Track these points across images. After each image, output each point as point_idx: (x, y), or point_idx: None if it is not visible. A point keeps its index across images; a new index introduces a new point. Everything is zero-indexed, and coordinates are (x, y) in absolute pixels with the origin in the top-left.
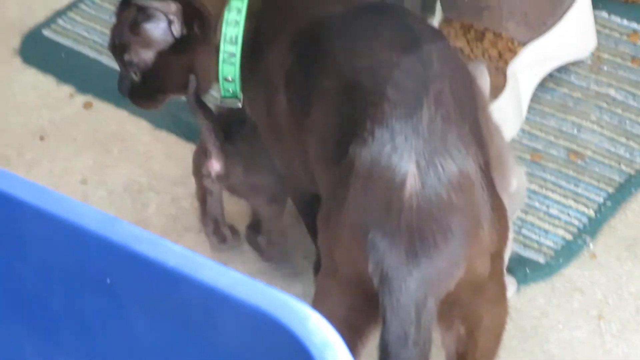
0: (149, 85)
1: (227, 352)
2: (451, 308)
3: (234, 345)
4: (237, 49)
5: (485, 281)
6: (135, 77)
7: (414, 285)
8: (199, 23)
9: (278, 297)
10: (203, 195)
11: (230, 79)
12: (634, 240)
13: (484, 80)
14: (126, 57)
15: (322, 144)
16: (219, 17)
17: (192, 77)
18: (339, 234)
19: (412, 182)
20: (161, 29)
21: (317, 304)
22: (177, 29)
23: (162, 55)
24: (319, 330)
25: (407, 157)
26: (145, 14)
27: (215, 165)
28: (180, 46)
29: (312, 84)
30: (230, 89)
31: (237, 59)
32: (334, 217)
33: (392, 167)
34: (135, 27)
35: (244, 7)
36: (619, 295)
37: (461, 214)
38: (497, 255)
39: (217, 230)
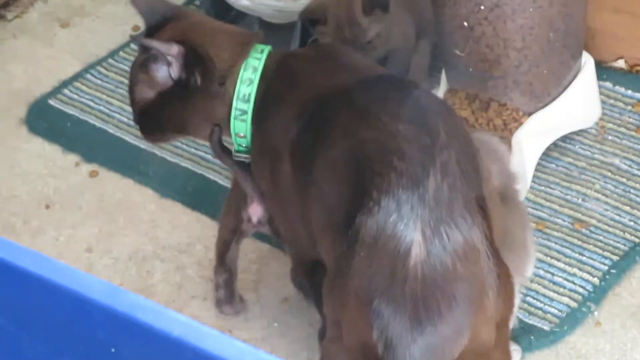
0: (151, 122)
1: None
2: None
3: None
4: (249, 107)
5: (490, 350)
6: (135, 113)
7: (418, 353)
8: (201, 71)
9: None
10: (226, 243)
11: (242, 135)
12: (638, 308)
13: (502, 149)
14: (133, 93)
15: (328, 213)
16: (228, 69)
17: (215, 128)
18: (344, 301)
19: (417, 251)
20: (163, 70)
21: None
22: (175, 72)
23: (162, 96)
24: None
25: (413, 226)
26: (154, 54)
27: (257, 210)
28: (179, 90)
29: (318, 153)
30: (244, 144)
31: (248, 117)
32: (339, 285)
33: (398, 236)
34: (144, 66)
35: (259, 67)
36: None
37: (466, 282)
38: (502, 324)
39: (229, 284)
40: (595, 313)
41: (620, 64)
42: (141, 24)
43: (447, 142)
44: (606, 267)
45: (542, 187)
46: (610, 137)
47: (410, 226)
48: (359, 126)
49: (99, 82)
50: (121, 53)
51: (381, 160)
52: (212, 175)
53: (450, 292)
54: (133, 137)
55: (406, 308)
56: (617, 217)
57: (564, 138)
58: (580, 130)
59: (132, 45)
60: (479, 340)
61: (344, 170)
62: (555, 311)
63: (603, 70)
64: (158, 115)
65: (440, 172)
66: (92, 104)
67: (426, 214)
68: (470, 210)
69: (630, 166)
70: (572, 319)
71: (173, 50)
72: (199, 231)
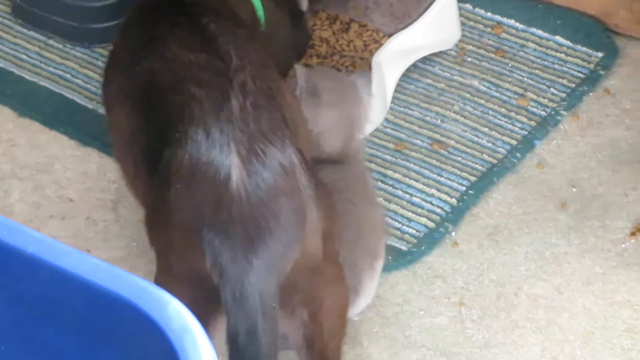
0: None
1: (87, 337)
2: (291, 294)
3: (93, 330)
4: None
5: (320, 262)
6: None
7: (255, 275)
8: None
9: (138, 283)
10: None
11: None
12: (495, 228)
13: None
14: None
15: (127, 147)
16: None
17: None
18: (167, 236)
19: (237, 173)
20: None
21: None
22: None
23: None
24: (178, 316)
25: (227, 149)
26: None
27: None
28: None
29: (115, 80)
30: None
31: None
32: (158, 221)
33: (214, 162)
34: None
35: None
36: (480, 282)
37: (289, 197)
38: (328, 237)
39: None
40: (453, 233)
41: None
42: None
43: (241, 64)
44: (464, 188)
45: (402, 109)
46: (469, 59)
47: (224, 150)
48: (151, 56)
49: None
50: None
51: (178, 91)
52: (70, 95)
53: (277, 208)
54: None
55: (236, 232)
56: (475, 139)
57: (424, 60)
58: (440, 52)
59: None
60: (309, 253)
61: (138, 105)
62: (413, 231)
63: None
64: None
65: (241, 93)
66: None
67: (238, 135)
68: (280, 126)
69: (488, 88)
70: (429, 239)
71: None
72: (58, 150)
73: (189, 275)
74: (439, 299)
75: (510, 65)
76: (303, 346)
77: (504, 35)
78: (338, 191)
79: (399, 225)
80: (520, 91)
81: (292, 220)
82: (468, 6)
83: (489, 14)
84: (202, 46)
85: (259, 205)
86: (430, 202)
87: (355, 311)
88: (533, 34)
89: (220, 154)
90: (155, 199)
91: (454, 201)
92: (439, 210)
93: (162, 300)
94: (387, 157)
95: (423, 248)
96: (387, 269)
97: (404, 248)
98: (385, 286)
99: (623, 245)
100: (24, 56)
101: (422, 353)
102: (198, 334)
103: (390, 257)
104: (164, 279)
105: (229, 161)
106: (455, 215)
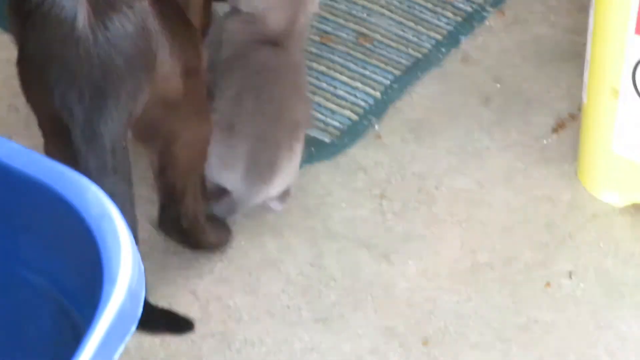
0: None
1: (5, 222)
2: (147, 127)
3: (12, 214)
4: None
5: (179, 100)
6: None
7: (102, 115)
8: None
9: (58, 168)
10: None
11: None
12: (418, 122)
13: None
14: None
15: None
16: None
17: None
18: (27, 80)
19: (83, 12)
20: None
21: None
22: None
23: None
24: (97, 201)
25: None
26: None
27: None
28: None
29: None
30: None
31: None
32: (20, 67)
33: (61, 2)
34: None
35: None
36: (402, 175)
37: (137, 38)
38: (192, 73)
39: None
40: (376, 126)
41: None
42: None
43: None
44: (388, 82)
45: (328, 1)
46: None
47: None
48: None
49: None
50: None
51: None
52: None
53: (124, 50)
54: None
55: (83, 71)
56: (401, 32)
57: None
58: None
59: None
60: (163, 92)
61: None
62: (337, 124)
63: None
64: None
65: None
66: None
67: None
68: None
69: None
70: (353, 132)
71: None
72: None
73: (45, 118)
74: (360, 191)
75: None
76: (158, 175)
77: None
78: (272, 78)
79: (323, 118)
80: None
81: (140, 61)
82: None
83: None
84: None
85: (106, 45)
86: (355, 95)
87: (271, 191)
88: None
89: None
90: (19, 45)
91: (377, 94)
92: (362, 104)
93: (81, 186)
94: (313, 49)
95: (346, 140)
96: (309, 160)
97: (326, 140)
98: (307, 177)
99: (545, 142)
100: None
101: (342, 244)
102: (117, 220)
103: (313, 149)
104: (45, 145)
105: (76, 0)
106: (378, 109)
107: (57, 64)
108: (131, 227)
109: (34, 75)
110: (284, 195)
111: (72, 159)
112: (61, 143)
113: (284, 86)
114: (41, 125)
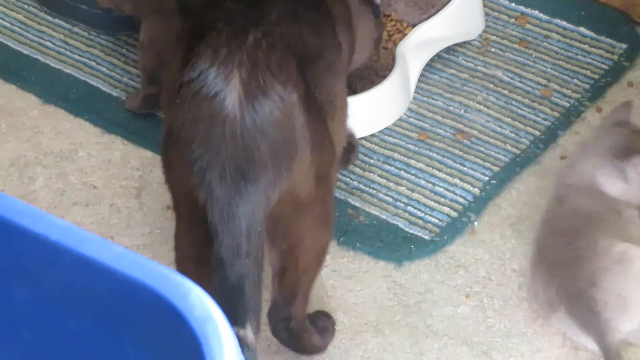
0: None
1: (109, 324)
2: (275, 225)
3: (116, 317)
4: None
5: (308, 202)
6: None
7: (242, 197)
8: None
9: (161, 271)
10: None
11: None
12: (517, 218)
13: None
14: None
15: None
16: None
17: None
18: (169, 157)
19: (234, 94)
20: None
21: (175, 250)
22: None
23: None
24: (201, 304)
25: (229, 68)
26: None
27: None
28: None
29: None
30: None
31: None
32: (164, 145)
33: (216, 79)
34: None
35: None
36: (502, 272)
37: (283, 128)
38: (323, 179)
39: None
40: (475, 223)
41: None
42: None
43: (276, 19)
44: (487, 178)
45: (425, 98)
46: (493, 50)
47: (227, 69)
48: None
49: None
50: None
51: (208, 26)
52: (95, 82)
53: (269, 136)
54: (16, 43)
55: (227, 150)
56: (499, 129)
57: (448, 50)
58: (464, 42)
59: None
60: (297, 189)
61: (184, 47)
62: (436, 221)
63: None
64: None
65: (262, 33)
66: None
67: (243, 59)
68: (288, 66)
69: (512, 78)
70: (452, 229)
71: None
72: (82, 138)
73: (185, 204)
74: (460, 288)
75: (534, 56)
76: (277, 274)
77: (527, 25)
78: None
79: (422, 215)
80: (544, 82)
81: (283, 150)
82: None
83: (513, 4)
84: (249, 2)
85: (252, 128)
86: (453, 192)
87: None
88: (557, 24)
89: (222, 73)
90: (166, 118)
91: (476, 191)
92: (461, 200)
93: (185, 288)
94: (411, 146)
95: (445, 237)
96: (409, 257)
97: (426, 237)
98: (407, 275)
99: None
100: (49, 43)
101: (443, 342)
102: (220, 322)
103: (413, 246)
104: (177, 225)
105: (228, 81)
106: (477, 205)
107: (202, 141)
108: (255, 312)
109: (177, 151)
110: None
111: (201, 243)
112: (193, 227)
113: None
114: (176, 207)
